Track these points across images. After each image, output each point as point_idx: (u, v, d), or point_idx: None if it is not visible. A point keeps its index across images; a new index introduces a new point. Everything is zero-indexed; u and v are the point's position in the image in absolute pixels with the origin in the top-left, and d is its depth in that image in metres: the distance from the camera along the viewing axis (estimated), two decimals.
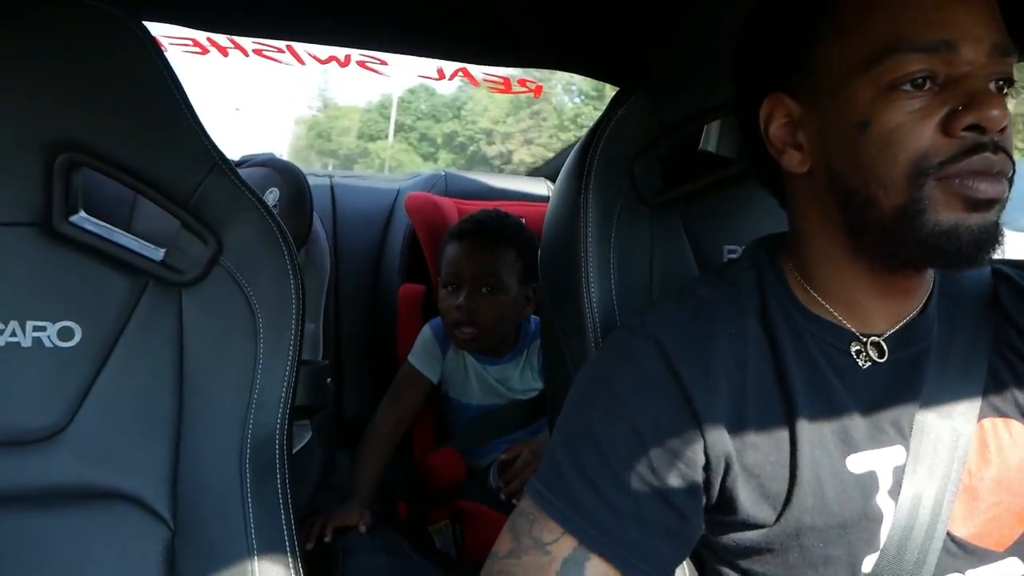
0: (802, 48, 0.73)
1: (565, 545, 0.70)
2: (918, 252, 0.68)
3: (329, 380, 1.62)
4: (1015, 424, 0.75)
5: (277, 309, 0.91)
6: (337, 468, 1.76)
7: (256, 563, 0.85)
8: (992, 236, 0.67)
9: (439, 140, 27.88)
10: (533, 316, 1.75)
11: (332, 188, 2.18)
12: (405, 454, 1.75)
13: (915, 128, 0.66)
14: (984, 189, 0.65)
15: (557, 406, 0.94)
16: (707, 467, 0.72)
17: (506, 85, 1.73)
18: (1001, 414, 0.75)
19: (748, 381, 0.73)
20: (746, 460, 0.72)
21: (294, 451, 0.94)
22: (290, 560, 0.86)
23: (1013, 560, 0.74)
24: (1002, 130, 0.66)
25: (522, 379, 1.73)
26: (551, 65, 1.43)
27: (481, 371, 1.73)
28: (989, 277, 0.82)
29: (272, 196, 1.63)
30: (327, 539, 1.50)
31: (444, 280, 1.70)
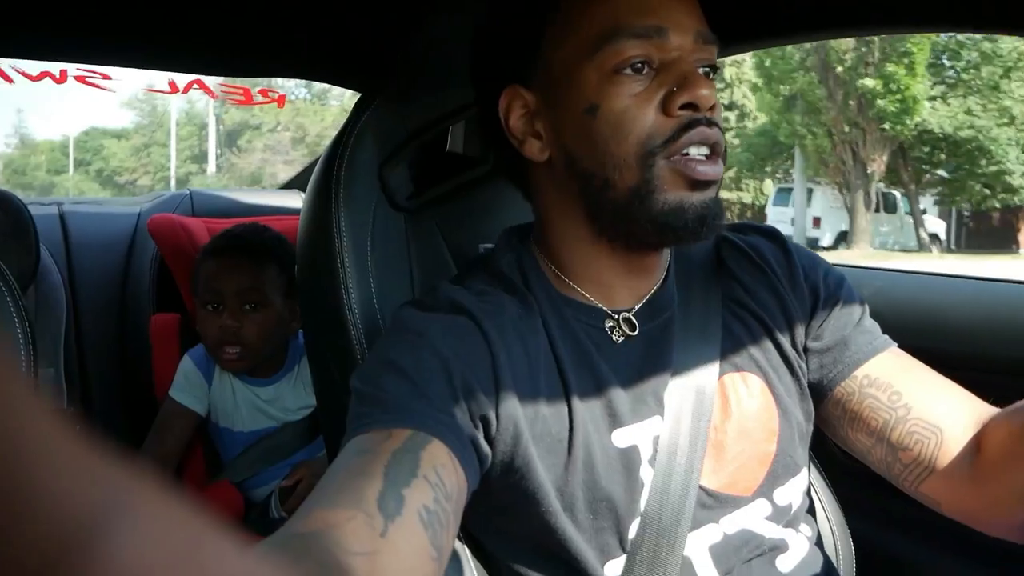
0: (533, 41, 0.77)
1: (397, 439, 0.64)
2: (650, 229, 0.75)
3: (78, 428, 1.47)
4: (751, 376, 0.83)
5: None
6: None
7: None
8: (713, 211, 0.75)
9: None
10: (301, 331, 1.70)
11: (62, 216, 1.98)
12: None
13: (639, 110, 0.73)
14: (703, 171, 0.73)
15: (329, 421, 0.91)
16: (498, 427, 0.72)
17: (246, 96, 1.65)
18: (738, 368, 0.83)
19: (539, 354, 0.76)
20: (535, 430, 0.74)
21: None
22: None
23: (761, 502, 0.81)
24: (712, 108, 0.74)
25: (295, 397, 1.67)
26: (291, 73, 1.39)
27: (250, 395, 1.65)
28: (711, 242, 0.89)
29: None
30: None
31: (203, 300, 1.61)
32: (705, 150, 0.74)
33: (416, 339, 0.72)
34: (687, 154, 0.73)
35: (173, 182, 27.93)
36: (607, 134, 0.73)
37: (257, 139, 29.17)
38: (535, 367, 0.75)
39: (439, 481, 0.62)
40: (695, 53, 0.75)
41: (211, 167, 28.47)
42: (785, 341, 0.84)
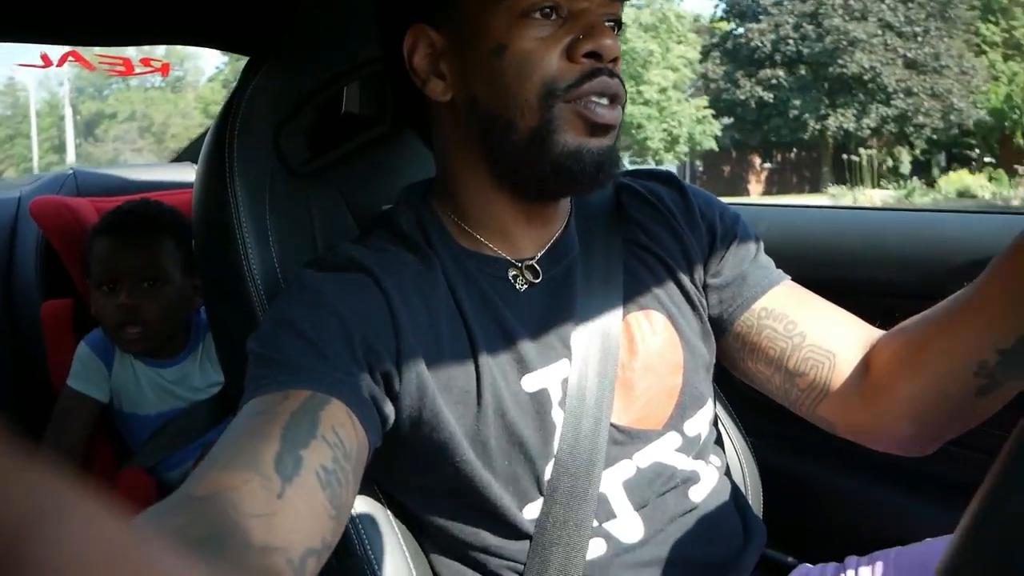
0: None
1: (294, 400, 0.63)
2: (548, 171, 0.76)
3: None
4: (654, 314, 0.85)
5: None
6: None
7: None
8: (610, 159, 0.77)
9: None
10: (203, 307, 1.65)
11: None
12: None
13: (545, 54, 0.74)
14: (602, 114, 0.75)
15: (236, 394, 0.90)
16: (401, 382, 0.72)
17: (127, 67, 1.57)
18: (641, 307, 0.85)
19: (440, 309, 0.77)
20: (440, 382, 0.75)
21: None
22: None
23: (671, 434, 0.84)
24: (614, 60, 0.76)
25: (203, 375, 1.63)
26: (174, 40, 1.33)
27: (155, 377, 1.60)
28: (611, 190, 0.92)
29: None
30: None
31: (98, 280, 1.54)
32: (605, 100, 0.75)
33: (313, 298, 0.72)
34: (588, 99, 0.74)
35: (36, 172, 27.21)
36: (511, 74, 0.74)
37: (112, 128, 29.65)
38: (437, 321, 0.76)
39: (338, 441, 0.62)
40: (603, 7, 0.77)
41: (70, 157, 28.85)
42: (686, 279, 0.87)
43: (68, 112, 29.79)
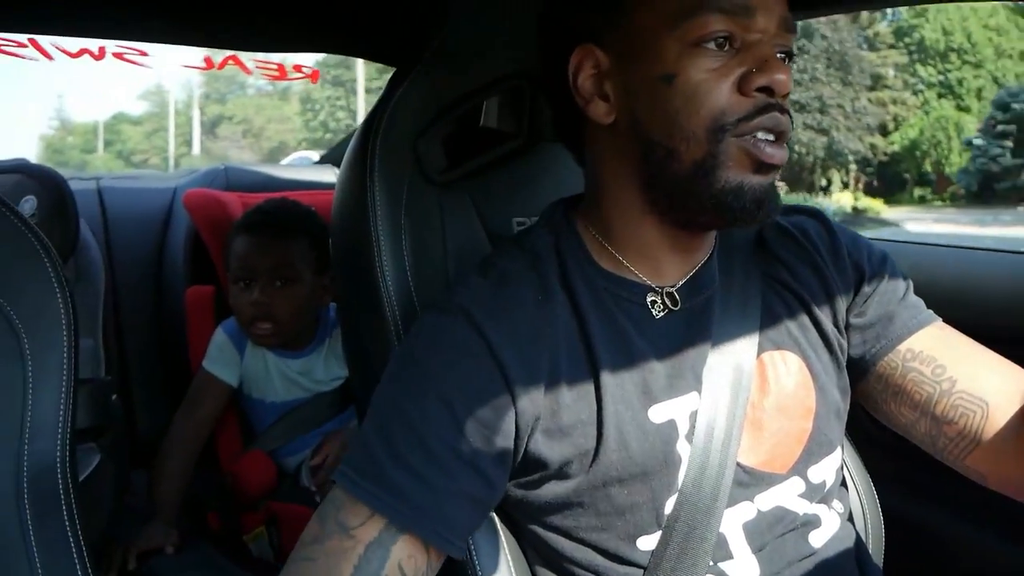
0: (615, 3, 0.76)
1: (371, 528, 0.70)
2: (708, 207, 0.74)
3: (115, 397, 1.51)
4: (789, 355, 0.83)
5: (44, 328, 0.83)
6: (133, 488, 1.65)
7: None
8: (770, 197, 0.75)
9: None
10: (333, 304, 1.72)
11: (100, 191, 2.01)
12: (210, 463, 1.67)
13: (715, 85, 0.72)
14: (770, 153, 0.73)
15: (362, 393, 0.93)
16: (517, 434, 0.74)
17: (281, 72, 1.66)
18: (777, 346, 0.83)
19: (558, 342, 0.76)
20: (558, 420, 0.75)
21: (81, 477, 0.86)
22: None
23: (795, 479, 0.81)
24: (785, 95, 0.74)
25: (327, 369, 1.69)
26: (325, 48, 1.40)
27: (283, 367, 1.67)
28: None
29: (28, 205, 1.48)
30: (131, 567, 1.40)
31: (235, 276, 1.63)
32: (772, 137, 0.73)
33: (424, 380, 0.74)
34: (756, 136, 0.73)
35: (172, 161, 33.21)
36: (679, 104, 0.73)
37: (227, 128, 35.41)
38: (556, 357, 0.76)
39: None
40: (777, 38, 0.74)
41: (195, 150, 34.79)
42: (825, 319, 0.84)
43: (196, 113, 35.58)
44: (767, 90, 0.72)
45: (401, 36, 1.15)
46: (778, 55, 0.75)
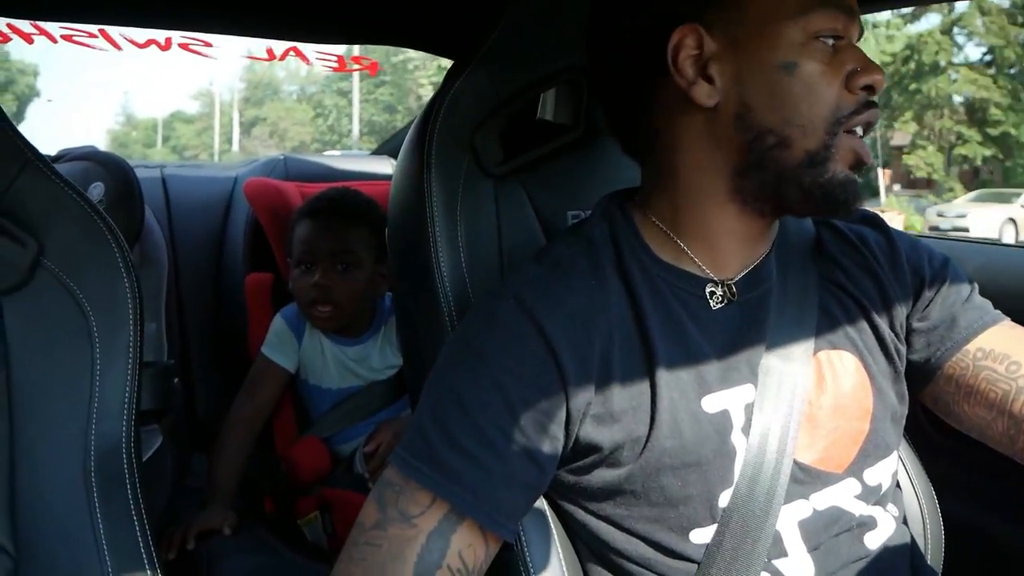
0: None
1: (433, 516, 0.71)
2: (816, 196, 0.75)
3: (176, 380, 1.55)
4: (846, 355, 0.82)
5: (111, 311, 0.85)
6: (193, 470, 1.69)
7: None
8: (859, 194, 0.77)
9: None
10: (388, 293, 1.74)
11: (164, 179, 2.06)
12: (266, 447, 1.70)
13: (831, 79, 0.74)
14: (867, 152, 0.76)
15: (416, 383, 0.94)
16: (568, 419, 0.74)
17: (340, 63, 1.68)
18: (833, 346, 0.82)
19: (611, 329, 0.76)
20: (610, 406, 0.75)
21: (144, 458, 0.89)
22: (149, 573, 0.82)
23: (850, 480, 0.80)
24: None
25: (382, 357, 1.71)
26: (385, 40, 1.41)
27: (339, 354, 1.70)
28: (810, 224, 0.89)
29: (97, 191, 1.52)
30: (190, 546, 1.44)
31: (298, 259, 1.66)
32: (862, 133, 0.76)
33: (477, 363, 0.75)
34: (856, 132, 0.75)
35: (216, 157, 37.55)
36: (799, 94, 0.74)
37: (261, 129, 40.16)
38: (607, 344, 0.76)
39: (462, 566, 0.72)
40: (858, 42, 0.78)
41: (235, 147, 39.58)
42: (883, 324, 0.84)
43: (236, 115, 41.28)
44: (869, 88, 0.75)
45: (459, 28, 1.15)
46: None
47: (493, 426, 0.72)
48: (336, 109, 38.67)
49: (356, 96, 33.66)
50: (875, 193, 20.28)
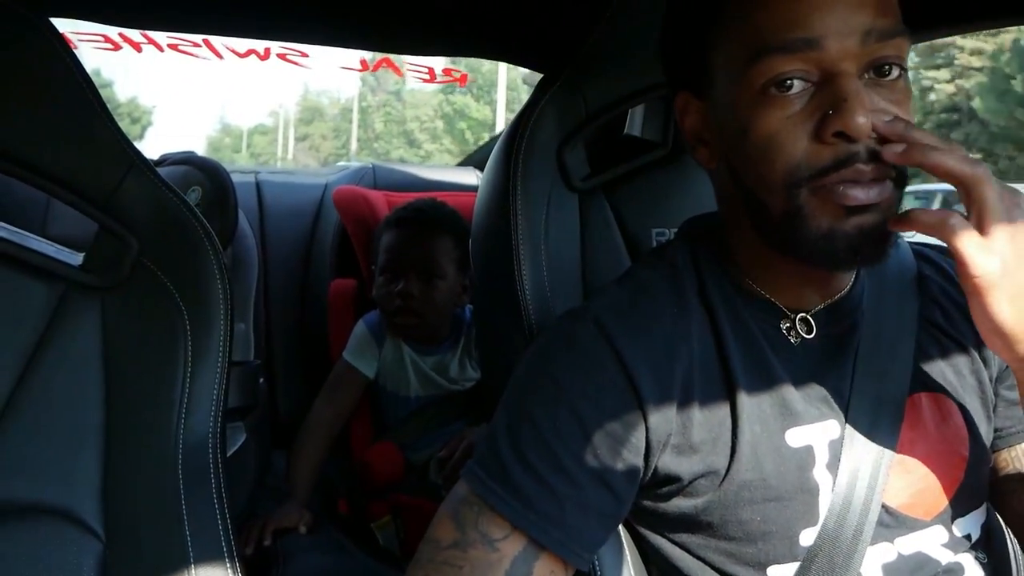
0: (698, 52, 0.74)
1: (515, 543, 0.70)
2: (804, 254, 0.70)
3: (261, 380, 1.59)
4: (945, 400, 0.78)
5: (205, 310, 0.88)
6: (273, 468, 1.74)
7: (193, 571, 0.83)
8: (870, 237, 0.67)
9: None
10: (468, 305, 1.75)
11: (258, 185, 2.13)
12: (343, 450, 1.74)
13: (789, 136, 0.66)
14: (855, 195, 0.66)
15: (494, 396, 0.94)
16: (648, 450, 0.73)
17: (431, 75, 1.71)
18: (931, 389, 0.78)
19: (692, 358, 0.74)
20: (689, 436, 0.73)
21: (228, 454, 0.92)
22: (228, 566, 0.84)
23: (938, 528, 0.77)
24: (892, 120, 0.65)
25: (460, 367, 1.73)
26: (476, 53, 1.43)
27: (419, 362, 1.72)
28: (912, 258, 0.85)
29: (195, 194, 1.58)
30: (267, 542, 1.47)
31: (382, 267, 1.69)
32: (858, 189, 0.66)
33: (554, 388, 0.73)
34: (837, 187, 0.66)
35: (278, 163, 41.68)
36: (756, 158, 0.69)
37: (305, 143, 47.05)
38: (688, 373, 0.74)
39: None
40: (864, 56, 0.66)
41: (290, 155, 44.74)
42: (982, 372, 0.80)
43: (292, 131, 46.66)
44: (843, 136, 0.65)
45: (551, 43, 1.16)
46: (868, 76, 0.67)
47: (568, 454, 0.71)
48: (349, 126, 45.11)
49: (356, 116, 39.49)
50: None
